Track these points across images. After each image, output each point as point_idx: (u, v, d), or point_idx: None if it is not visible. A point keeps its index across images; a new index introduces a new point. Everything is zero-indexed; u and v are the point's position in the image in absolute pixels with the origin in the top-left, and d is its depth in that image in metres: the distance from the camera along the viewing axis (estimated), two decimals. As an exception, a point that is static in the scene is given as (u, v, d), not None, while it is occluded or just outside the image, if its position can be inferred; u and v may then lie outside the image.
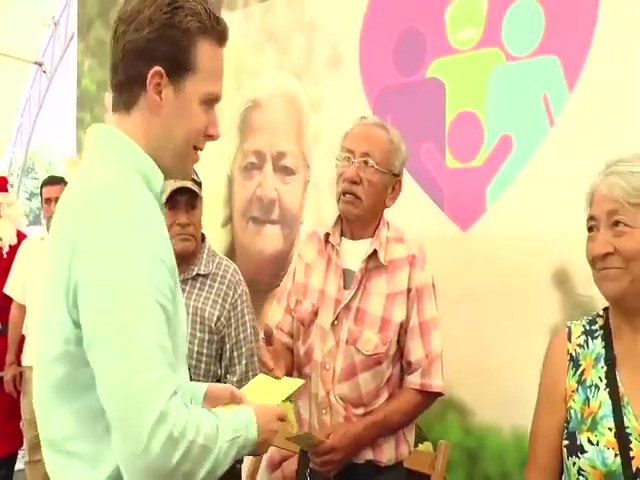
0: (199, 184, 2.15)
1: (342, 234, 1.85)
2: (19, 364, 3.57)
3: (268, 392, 1.48)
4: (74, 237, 1.02)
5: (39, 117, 8.50)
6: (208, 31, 1.11)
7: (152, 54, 1.08)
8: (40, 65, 7.92)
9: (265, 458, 2.77)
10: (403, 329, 1.76)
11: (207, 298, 2.10)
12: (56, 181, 3.60)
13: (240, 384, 2.09)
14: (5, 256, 3.71)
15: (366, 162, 1.76)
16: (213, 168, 3.29)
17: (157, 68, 1.09)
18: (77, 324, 1.01)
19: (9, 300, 3.58)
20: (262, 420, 1.17)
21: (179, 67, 1.11)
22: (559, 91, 2.16)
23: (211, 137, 1.19)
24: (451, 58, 2.40)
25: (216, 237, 3.26)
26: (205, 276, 2.13)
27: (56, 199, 3.40)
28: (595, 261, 1.31)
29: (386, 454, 1.77)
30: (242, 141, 3.14)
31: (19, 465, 3.91)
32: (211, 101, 1.16)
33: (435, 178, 2.44)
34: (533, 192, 2.20)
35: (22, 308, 3.52)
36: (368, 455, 1.75)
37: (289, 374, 1.80)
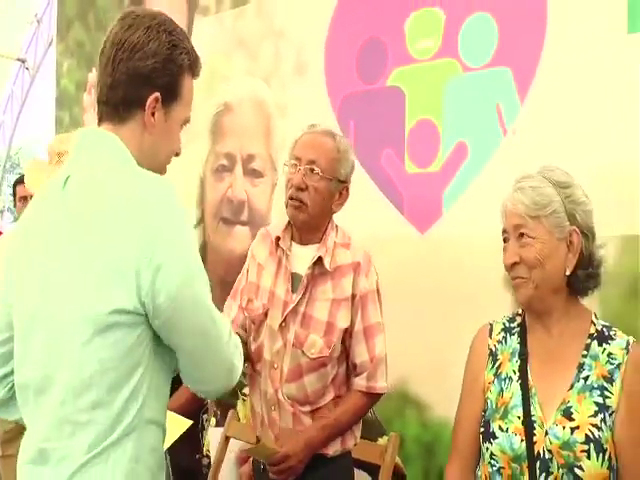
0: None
1: (292, 238, 1.91)
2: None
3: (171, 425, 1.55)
4: (140, 234, 1.17)
5: (22, 113, 8.53)
6: (191, 67, 1.31)
7: (154, 82, 1.26)
8: (23, 62, 7.95)
9: (234, 453, 2.86)
10: (348, 333, 1.83)
11: None
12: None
13: None
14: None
15: (312, 170, 1.81)
16: (186, 170, 3.37)
17: (156, 94, 1.26)
18: (143, 304, 1.17)
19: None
20: None
21: (171, 95, 1.29)
22: (511, 101, 2.26)
23: (177, 155, 1.39)
24: (411, 67, 2.50)
25: (189, 237, 3.35)
26: None
27: (31, 196, 3.46)
28: (507, 270, 1.42)
29: (332, 447, 1.85)
30: (214, 144, 3.23)
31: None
32: (184, 124, 1.36)
33: (395, 183, 2.54)
34: (487, 197, 2.29)
35: None
36: None
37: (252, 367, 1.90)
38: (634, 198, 2.03)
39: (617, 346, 1.37)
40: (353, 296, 1.83)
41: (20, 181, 3.69)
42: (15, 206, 3.78)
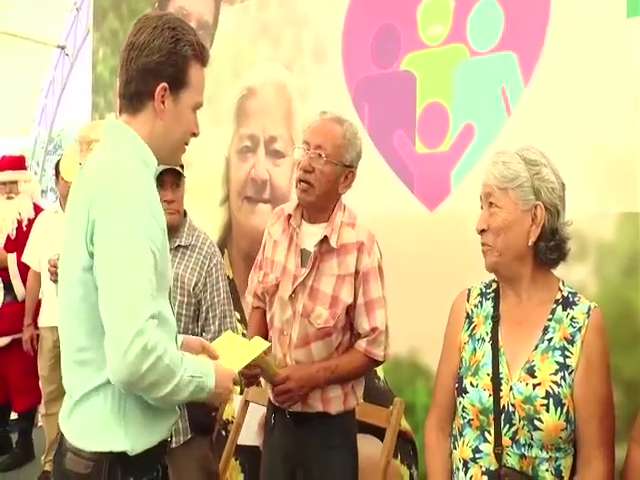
0: (182, 166, 2.40)
1: (302, 217, 2.06)
2: (36, 326, 3.89)
3: (236, 350, 1.69)
4: (91, 193, 1.36)
5: (62, 98, 8.81)
6: (198, 57, 1.48)
7: (160, 73, 1.43)
8: (63, 49, 8.20)
9: (257, 419, 3.04)
10: (352, 306, 1.98)
11: (187, 266, 2.39)
12: None
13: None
14: (24, 229, 4.01)
15: (319, 154, 1.94)
16: (212, 151, 3.55)
17: (163, 84, 1.44)
18: (92, 255, 1.34)
19: (27, 268, 3.90)
20: (220, 376, 1.45)
21: (179, 83, 1.46)
22: (516, 84, 2.36)
23: (194, 135, 1.56)
24: (422, 53, 2.61)
25: (215, 214, 3.54)
26: (186, 247, 2.41)
27: None
28: (478, 232, 1.56)
29: (334, 406, 2.01)
30: (238, 126, 3.39)
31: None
32: (197, 108, 1.53)
33: (406, 162, 2.66)
34: (492, 176, 2.41)
35: (38, 275, 3.82)
36: (318, 407, 2.00)
37: (264, 334, 2.07)
38: (633, 177, 2.12)
39: (579, 311, 1.50)
40: (356, 272, 1.98)
41: None
42: (57, 184, 3.96)
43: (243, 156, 3.37)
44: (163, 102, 1.45)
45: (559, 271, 2.23)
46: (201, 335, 2.39)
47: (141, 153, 1.46)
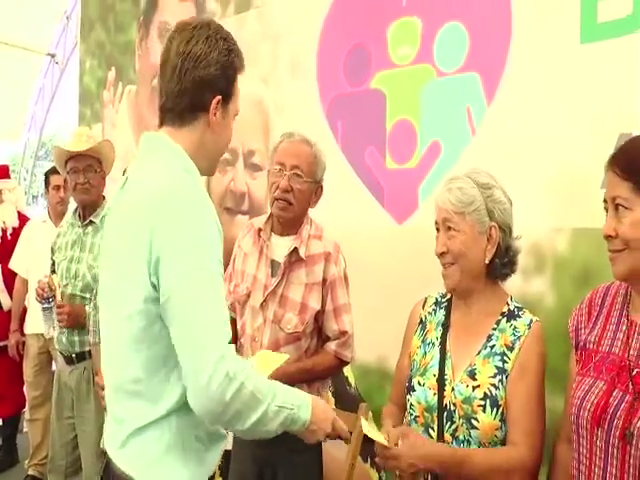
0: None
1: (272, 230, 2.19)
2: (22, 333, 3.96)
3: (267, 362, 1.79)
4: (153, 221, 1.28)
5: (52, 105, 8.89)
6: (242, 67, 1.48)
7: (216, 87, 1.42)
8: (53, 57, 8.29)
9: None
10: (319, 312, 2.12)
11: None
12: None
13: None
14: (9, 237, 4.09)
15: (297, 174, 2.08)
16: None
17: (218, 97, 1.42)
18: (155, 287, 1.28)
19: (13, 275, 3.97)
20: (318, 412, 1.40)
21: (228, 95, 1.45)
22: (479, 104, 2.47)
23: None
24: (392, 72, 2.72)
25: (197, 225, 3.62)
26: None
27: (64, 186, 3.75)
28: (438, 257, 1.66)
29: None
30: (219, 139, 3.48)
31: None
32: (236, 116, 1.52)
33: (377, 177, 2.77)
34: (457, 191, 2.52)
35: (25, 282, 3.89)
36: None
37: (234, 341, 2.17)
38: (588, 193, 2.22)
39: (522, 322, 1.61)
40: (324, 281, 2.12)
41: (53, 171, 3.97)
42: (47, 193, 4.02)
43: (223, 169, 3.47)
44: (215, 115, 1.43)
45: (519, 284, 2.35)
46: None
47: (185, 165, 1.40)
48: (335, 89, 2.92)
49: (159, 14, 4.02)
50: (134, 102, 4.22)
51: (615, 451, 1.27)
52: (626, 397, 1.28)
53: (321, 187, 2.17)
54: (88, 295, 2.84)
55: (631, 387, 1.28)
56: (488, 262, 1.62)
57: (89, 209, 3.04)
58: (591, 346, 1.41)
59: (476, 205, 1.61)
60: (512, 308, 1.65)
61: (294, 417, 1.34)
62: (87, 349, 2.87)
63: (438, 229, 1.68)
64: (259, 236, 2.20)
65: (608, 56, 2.15)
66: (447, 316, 1.70)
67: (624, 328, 1.36)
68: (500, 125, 2.42)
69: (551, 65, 2.28)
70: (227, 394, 1.21)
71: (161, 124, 1.47)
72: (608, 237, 1.32)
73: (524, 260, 2.32)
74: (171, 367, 1.31)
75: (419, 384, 1.64)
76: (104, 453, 2.50)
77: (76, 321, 2.83)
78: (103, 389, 2.44)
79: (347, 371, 2.85)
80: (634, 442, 1.23)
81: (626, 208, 1.28)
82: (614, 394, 1.30)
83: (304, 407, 1.37)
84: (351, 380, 2.84)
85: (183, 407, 1.32)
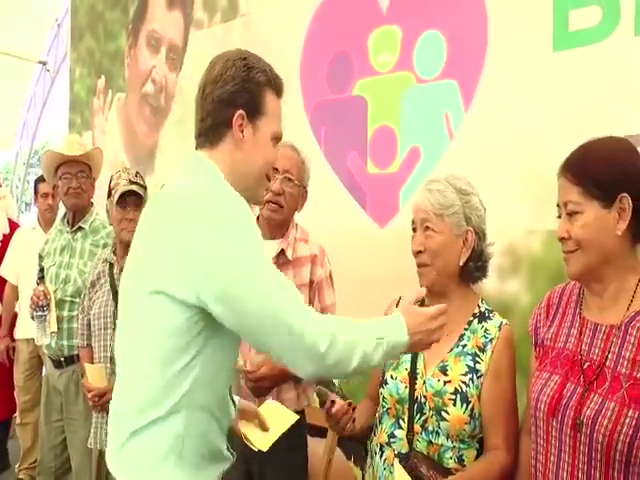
0: (144, 187, 2.57)
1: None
2: (12, 338, 4.00)
3: (275, 418, 1.79)
4: (190, 225, 1.25)
5: (44, 113, 8.93)
6: (271, 84, 1.44)
7: (235, 102, 1.38)
8: (44, 64, 8.33)
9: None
10: None
11: None
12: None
13: None
14: (0, 244, 4.13)
15: (288, 178, 2.15)
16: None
17: (240, 111, 1.38)
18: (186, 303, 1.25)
19: (3, 282, 4.01)
20: (413, 324, 1.34)
21: (255, 111, 1.40)
22: (457, 110, 2.54)
23: (276, 170, 1.59)
24: (373, 79, 2.80)
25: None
26: None
27: (52, 194, 3.81)
28: (414, 256, 1.72)
29: (289, 407, 2.16)
30: (206, 145, 3.55)
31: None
32: (277, 139, 1.47)
33: (358, 182, 2.83)
34: (437, 195, 2.59)
35: (15, 289, 3.93)
36: None
37: None
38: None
39: (492, 325, 1.67)
40: (311, 282, 2.18)
41: (42, 179, 4.02)
42: (36, 201, 4.08)
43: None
44: (242, 131, 1.39)
45: (496, 284, 2.42)
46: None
47: (219, 178, 1.37)
48: (318, 96, 2.99)
49: (148, 23, 4.09)
50: (123, 110, 4.28)
51: (568, 439, 1.33)
52: (577, 389, 1.34)
53: (306, 191, 2.25)
54: (78, 300, 2.89)
55: (582, 379, 1.34)
56: (462, 265, 1.68)
57: (79, 215, 3.09)
58: (548, 343, 1.47)
59: (455, 209, 1.67)
60: (483, 310, 1.72)
61: (394, 343, 1.32)
62: (76, 352, 2.91)
63: (414, 229, 1.74)
64: None
65: (579, 63, 2.23)
66: None
67: (577, 325, 1.42)
68: (477, 131, 2.49)
69: (525, 72, 2.36)
70: (327, 359, 1.24)
71: (197, 150, 1.45)
72: (562, 239, 1.39)
73: (500, 261, 2.41)
74: (184, 362, 1.28)
75: (392, 377, 1.71)
76: (100, 453, 2.58)
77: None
78: (90, 391, 2.51)
79: (331, 372, 2.91)
80: (584, 430, 1.29)
81: (577, 212, 1.35)
82: (567, 386, 1.36)
83: (398, 329, 1.34)
84: (335, 381, 2.89)
85: (185, 411, 1.31)
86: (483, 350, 1.64)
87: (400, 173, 2.70)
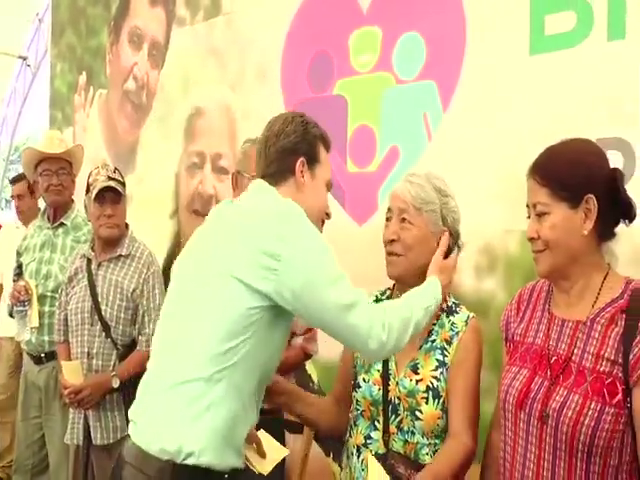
0: (123, 184, 2.58)
1: None
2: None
3: (269, 446, 1.79)
4: (267, 242, 1.43)
5: (24, 109, 8.87)
6: (323, 138, 1.67)
7: (297, 151, 1.60)
8: (24, 59, 8.28)
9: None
10: None
11: (126, 273, 2.59)
12: (20, 178, 3.94)
13: (148, 343, 2.55)
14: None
15: None
16: (163, 167, 3.72)
17: (302, 159, 1.60)
18: (257, 291, 1.43)
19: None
20: (443, 276, 1.65)
21: (313, 159, 1.63)
22: (436, 111, 2.58)
23: (328, 216, 1.81)
24: (353, 79, 2.83)
25: (165, 226, 3.70)
26: (126, 256, 2.62)
27: (23, 195, 3.81)
28: (385, 244, 1.73)
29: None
30: (187, 144, 3.57)
31: None
32: (329, 186, 1.70)
33: (338, 181, 2.86)
34: (415, 195, 2.63)
35: (0, 287, 3.91)
36: None
37: None
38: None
39: (460, 318, 1.70)
40: None
41: (16, 180, 4.01)
42: (14, 199, 4.04)
43: (191, 172, 3.54)
44: (303, 176, 1.60)
45: (473, 282, 2.46)
46: (137, 337, 2.58)
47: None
48: (299, 95, 3.01)
49: (130, 19, 4.08)
50: (104, 106, 4.27)
51: (535, 431, 1.36)
52: (545, 382, 1.38)
53: None
54: (57, 295, 2.89)
55: (549, 373, 1.38)
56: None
57: (60, 211, 3.10)
58: (518, 338, 1.51)
59: (434, 207, 1.69)
60: (450, 304, 1.74)
61: (435, 305, 1.59)
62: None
63: (389, 218, 1.74)
64: None
65: (555, 67, 2.27)
66: None
67: (545, 321, 1.46)
68: (455, 131, 2.52)
69: (502, 75, 2.40)
70: (388, 345, 1.46)
71: None
72: (531, 239, 1.43)
73: (477, 260, 2.45)
74: (238, 341, 1.43)
75: (364, 381, 1.71)
76: (77, 448, 2.59)
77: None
78: (66, 388, 2.51)
79: (310, 368, 2.93)
80: (549, 422, 1.33)
81: (546, 212, 1.39)
82: (535, 380, 1.40)
83: (438, 291, 1.60)
84: (314, 377, 2.92)
85: (225, 383, 1.44)
86: (450, 343, 1.67)
87: (379, 172, 2.73)
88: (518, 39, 2.35)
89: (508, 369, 1.49)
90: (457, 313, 1.72)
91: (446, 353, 1.66)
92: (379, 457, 1.64)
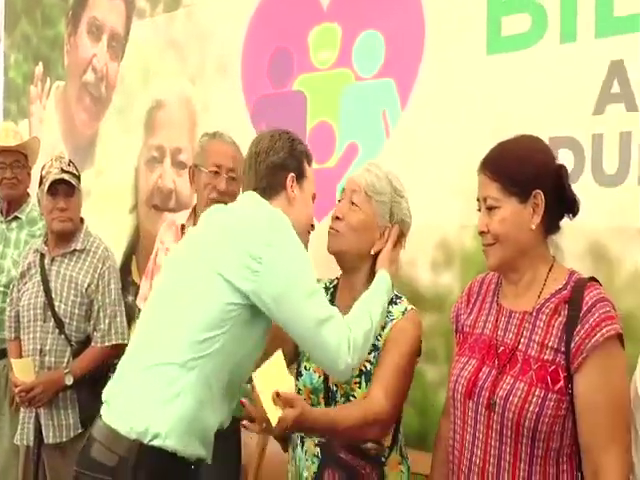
0: (77, 177, 2.55)
1: (194, 225, 2.25)
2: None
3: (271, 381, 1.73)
4: (252, 244, 1.53)
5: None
6: (307, 154, 1.81)
7: (287, 167, 1.72)
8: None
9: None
10: None
11: (81, 268, 2.55)
12: None
13: (103, 339, 2.53)
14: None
15: (233, 177, 2.23)
16: (123, 160, 3.67)
17: (292, 174, 1.72)
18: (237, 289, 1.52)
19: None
20: (392, 270, 1.73)
21: (301, 174, 1.75)
22: (394, 108, 2.61)
23: (312, 227, 1.89)
24: (313, 75, 2.83)
25: (125, 221, 3.65)
26: (81, 251, 2.58)
27: None
28: (332, 218, 1.77)
29: None
30: (147, 137, 3.53)
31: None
32: (313, 199, 1.83)
33: (298, 176, 2.87)
34: (373, 191, 2.65)
35: None
36: None
37: None
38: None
39: (397, 309, 1.73)
40: None
41: None
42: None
43: (151, 166, 3.51)
44: (293, 190, 1.71)
45: (430, 277, 2.50)
46: (92, 333, 2.54)
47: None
48: (259, 90, 3.01)
49: (89, 10, 4.01)
50: (62, 98, 4.19)
51: (482, 419, 1.41)
52: (492, 372, 1.43)
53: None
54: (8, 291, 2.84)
55: (497, 363, 1.43)
56: (374, 254, 1.74)
57: (14, 204, 3.04)
58: (468, 329, 1.55)
59: (385, 199, 1.72)
60: (392, 295, 1.76)
61: (389, 297, 1.69)
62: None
63: (341, 200, 1.79)
64: (182, 232, 2.26)
65: (511, 67, 2.32)
66: (332, 301, 1.80)
67: (494, 312, 1.51)
68: (413, 128, 2.56)
69: (460, 74, 2.44)
70: (353, 361, 1.53)
71: None
72: (481, 233, 1.47)
73: (434, 255, 2.49)
74: (214, 333, 1.50)
75: (305, 368, 1.74)
76: (27, 449, 2.55)
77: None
78: (17, 386, 2.47)
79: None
80: (496, 409, 1.38)
81: (496, 207, 1.43)
82: (483, 370, 1.45)
83: (390, 285, 1.69)
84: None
85: (196, 372, 1.50)
86: (384, 328, 1.69)
87: (338, 168, 2.75)
88: (475, 39, 2.39)
89: (457, 359, 1.53)
90: (396, 304, 1.74)
91: (379, 338, 1.69)
92: (321, 445, 1.66)
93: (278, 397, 1.38)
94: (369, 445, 1.64)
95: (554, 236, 1.50)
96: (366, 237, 1.72)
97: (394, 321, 1.70)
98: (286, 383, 1.45)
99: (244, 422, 1.45)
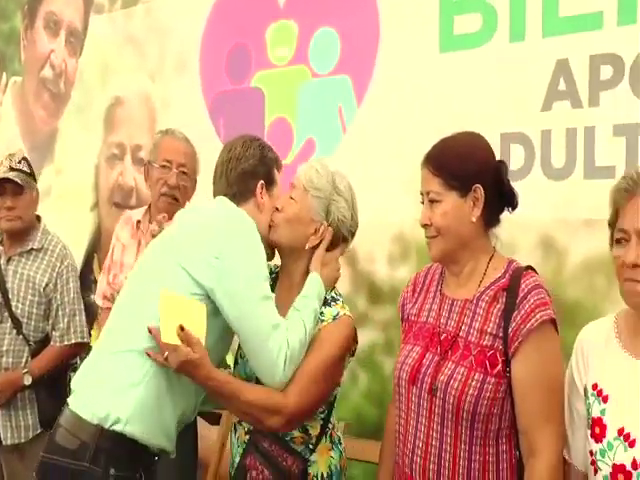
0: (30, 174, 2.53)
1: (150, 221, 2.27)
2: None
3: (178, 312, 1.61)
4: (215, 240, 1.58)
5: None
6: (277, 160, 1.82)
7: (257, 174, 1.75)
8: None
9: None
10: None
11: (38, 267, 2.53)
12: None
13: (62, 338, 2.52)
14: None
15: (184, 172, 2.24)
16: (83, 158, 3.65)
17: (261, 182, 1.75)
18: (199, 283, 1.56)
19: None
20: (324, 277, 1.71)
21: (270, 181, 1.77)
22: (350, 105, 2.65)
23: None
24: (270, 72, 2.86)
25: (86, 219, 3.64)
26: (38, 250, 2.56)
27: None
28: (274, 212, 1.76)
29: None
30: (107, 134, 3.51)
31: None
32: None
33: (256, 172, 2.89)
34: (332, 186, 2.69)
35: None
36: None
37: None
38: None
39: (330, 312, 1.70)
40: None
41: None
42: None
43: (111, 163, 3.50)
44: (262, 197, 1.74)
45: (386, 270, 2.55)
46: (51, 332, 2.53)
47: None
48: (217, 86, 3.03)
49: (45, 4, 3.96)
50: (19, 94, 4.13)
51: (425, 404, 1.46)
52: (435, 358, 1.48)
53: (196, 183, 2.32)
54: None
55: (439, 349, 1.48)
56: (309, 249, 1.72)
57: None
58: (413, 318, 1.60)
59: (321, 195, 1.70)
60: (329, 297, 1.73)
61: (320, 301, 1.68)
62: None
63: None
64: (137, 228, 2.28)
65: (463, 65, 2.38)
66: (273, 286, 1.76)
67: (437, 301, 1.56)
68: (369, 124, 2.61)
69: (413, 71, 2.49)
70: (285, 379, 1.56)
71: None
72: (424, 226, 1.51)
73: (391, 248, 2.55)
74: None
75: (240, 357, 1.74)
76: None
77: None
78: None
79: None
80: (438, 394, 1.43)
81: (438, 200, 1.48)
82: (426, 356, 1.50)
83: (320, 289, 1.68)
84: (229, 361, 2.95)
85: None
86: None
87: (295, 164, 2.77)
88: (429, 37, 2.45)
89: (403, 347, 1.58)
90: (330, 306, 1.71)
91: None
92: (250, 432, 1.69)
93: (182, 331, 1.48)
94: (295, 433, 1.66)
95: (494, 229, 1.54)
96: (300, 230, 1.71)
97: (324, 323, 1.68)
98: (197, 330, 1.52)
99: (149, 352, 1.51)
